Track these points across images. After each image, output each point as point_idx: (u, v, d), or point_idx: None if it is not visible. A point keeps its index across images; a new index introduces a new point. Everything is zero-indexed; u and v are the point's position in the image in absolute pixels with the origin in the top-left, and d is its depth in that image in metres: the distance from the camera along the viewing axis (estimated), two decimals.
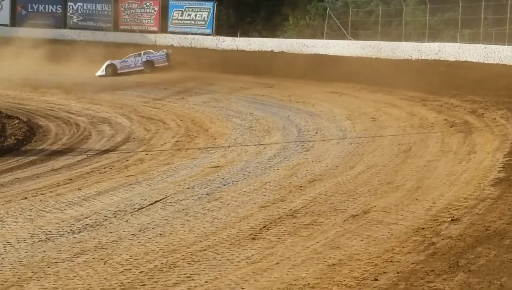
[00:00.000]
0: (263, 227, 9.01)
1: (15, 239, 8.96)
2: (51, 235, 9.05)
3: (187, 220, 9.54)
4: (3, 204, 10.99)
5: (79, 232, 9.17)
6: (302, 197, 10.58)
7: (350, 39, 32.77)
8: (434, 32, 30.60)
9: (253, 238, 8.58)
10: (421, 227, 8.70)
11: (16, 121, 19.46)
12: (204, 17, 38.40)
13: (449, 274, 7.04)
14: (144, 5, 40.22)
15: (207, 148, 15.46)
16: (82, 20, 42.04)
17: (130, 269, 7.64)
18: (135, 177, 12.62)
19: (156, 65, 32.30)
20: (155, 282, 7.25)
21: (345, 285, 6.95)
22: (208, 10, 38.30)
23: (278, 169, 12.77)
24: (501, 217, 8.88)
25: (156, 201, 10.67)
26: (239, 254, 8.00)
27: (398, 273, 7.16)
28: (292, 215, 9.58)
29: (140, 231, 9.10)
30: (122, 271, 7.58)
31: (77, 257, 8.14)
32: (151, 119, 19.93)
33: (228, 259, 7.84)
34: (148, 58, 32.53)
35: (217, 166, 13.27)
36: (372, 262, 7.51)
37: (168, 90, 26.04)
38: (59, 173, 13.41)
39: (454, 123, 16.70)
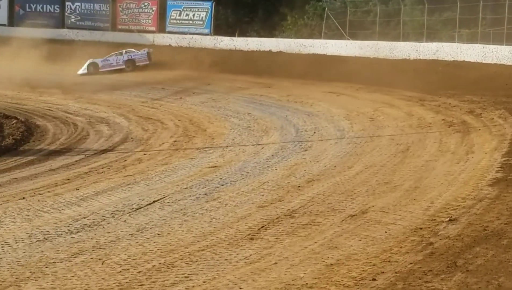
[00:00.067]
0: (261, 227, 9.01)
1: (13, 239, 8.95)
2: (49, 235, 9.05)
3: (185, 220, 9.54)
4: (1, 204, 10.98)
5: (77, 232, 9.17)
6: (300, 197, 10.58)
7: (348, 39, 32.77)
8: (432, 32, 30.62)
9: (251, 238, 8.58)
10: (419, 227, 8.70)
11: (14, 121, 19.45)
12: (202, 17, 38.37)
13: (447, 274, 7.04)
14: (142, 5, 40.18)
15: (205, 148, 15.46)
16: (80, 20, 41.99)
17: (128, 269, 7.63)
18: (133, 177, 12.62)
19: (137, 64, 32.70)
20: (153, 282, 7.25)
21: (343, 285, 6.95)
22: (206, 10, 38.28)
23: (276, 169, 12.77)
24: (499, 217, 8.88)
25: (154, 201, 10.67)
26: (237, 254, 8.00)
27: (396, 273, 7.17)
28: (290, 215, 9.58)
29: (138, 231, 9.10)
30: (120, 271, 7.58)
31: (75, 257, 8.13)
32: (149, 119, 19.92)
33: (226, 259, 7.84)
34: (130, 57, 32.92)
35: (215, 166, 13.27)
36: (370, 262, 7.52)
37: (166, 90, 26.03)
38: (57, 173, 13.40)
39: (452, 123, 16.71)
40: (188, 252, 8.14)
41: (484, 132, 15.32)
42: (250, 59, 31.75)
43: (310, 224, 9.10)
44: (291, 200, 10.39)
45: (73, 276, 7.50)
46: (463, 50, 27.68)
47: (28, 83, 27.17)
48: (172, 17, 39.21)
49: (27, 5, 42.81)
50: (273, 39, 35.15)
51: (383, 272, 7.20)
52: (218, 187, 11.52)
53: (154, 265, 7.73)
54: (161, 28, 39.49)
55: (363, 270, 7.29)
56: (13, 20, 42.93)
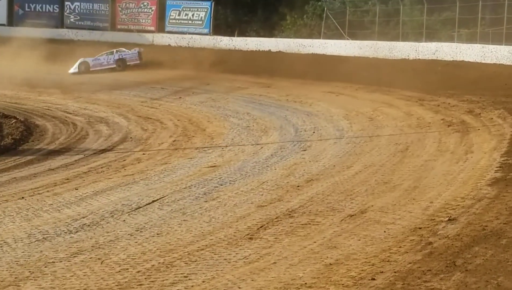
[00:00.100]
0: (260, 227, 9.01)
1: (12, 239, 8.95)
2: (48, 235, 9.05)
3: (184, 220, 9.54)
4: (0, 203, 10.98)
5: (76, 231, 9.17)
6: (299, 196, 10.58)
7: (348, 39, 32.78)
8: (431, 31, 30.64)
9: (250, 238, 8.58)
10: (418, 227, 8.71)
11: (13, 121, 19.44)
12: (201, 17, 38.38)
13: (446, 274, 7.04)
14: (142, 5, 40.19)
15: (204, 147, 15.46)
16: (80, 20, 41.99)
17: (127, 269, 7.63)
18: (132, 177, 12.62)
19: (128, 63, 32.83)
20: (152, 281, 7.25)
21: (342, 284, 6.95)
22: (206, 10, 38.29)
23: (275, 169, 12.77)
24: (498, 217, 8.89)
25: (153, 201, 10.67)
26: (236, 253, 8.00)
27: (395, 272, 7.17)
28: (289, 214, 9.58)
29: (137, 230, 9.10)
30: (119, 271, 7.58)
31: (74, 256, 8.13)
32: (148, 118, 19.92)
33: (225, 259, 7.84)
34: (120, 56, 33.07)
35: (214, 166, 13.27)
36: (369, 262, 7.52)
37: (165, 90, 26.03)
38: (56, 173, 13.40)
39: (451, 122, 16.72)
40: (187, 251, 8.14)
41: (483, 131, 15.32)
42: (249, 59, 31.75)
43: (309, 223, 9.10)
44: (290, 200, 10.39)
45: (72, 276, 7.50)
46: (462, 50, 27.69)
47: (27, 83, 27.16)
48: (171, 17, 39.22)
49: (26, 5, 42.81)
50: (273, 39, 35.16)
51: (382, 272, 7.20)
52: (217, 186, 11.52)
53: (153, 265, 7.73)
54: (161, 28, 39.51)
55: (362, 270, 7.29)
56: (12, 20, 42.93)
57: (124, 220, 9.63)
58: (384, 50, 30.23)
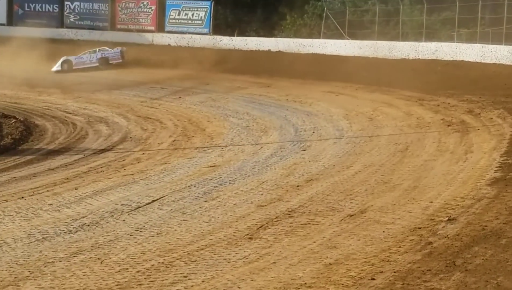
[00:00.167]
0: (260, 227, 9.01)
1: (12, 239, 8.94)
2: (47, 235, 9.04)
3: (184, 220, 9.54)
4: (0, 203, 10.97)
5: (76, 231, 9.16)
6: (299, 196, 10.58)
7: (347, 39, 32.79)
8: (431, 31, 30.64)
9: (250, 238, 8.57)
10: (418, 227, 8.71)
11: (12, 121, 19.44)
12: (201, 17, 38.38)
13: (445, 274, 7.04)
14: (141, 5, 40.19)
15: (204, 147, 15.46)
16: (79, 20, 41.99)
17: (127, 269, 7.63)
18: (132, 177, 12.61)
19: (110, 62, 33.13)
20: (152, 281, 7.25)
21: (342, 284, 6.95)
22: (205, 10, 38.29)
23: (275, 169, 12.77)
24: (498, 217, 8.89)
25: (153, 201, 10.66)
26: (236, 253, 8.00)
27: (394, 272, 7.16)
28: (289, 214, 9.58)
29: (137, 230, 9.09)
30: (119, 271, 7.58)
31: (74, 256, 8.13)
32: (148, 118, 19.91)
33: (225, 259, 7.84)
34: (103, 55, 33.38)
35: (214, 166, 13.27)
36: (369, 262, 7.52)
37: (165, 90, 26.02)
38: (56, 173, 13.40)
39: (451, 122, 16.72)
40: (187, 251, 8.14)
41: (483, 131, 15.32)
42: (249, 59, 31.74)
43: (309, 223, 9.10)
44: (290, 200, 10.39)
45: (72, 276, 7.50)
46: (462, 50, 27.70)
47: (27, 83, 27.16)
48: (171, 17, 39.23)
49: (26, 4, 42.81)
50: (272, 39, 35.17)
51: (382, 272, 7.20)
52: (217, 186, 11.52)
53: (153, 265, 7.73)
54: (160, 27, 39.52)
55: (362, 270, 7.29)
56: (12, 19, 42.93)
57: (123, 220, 9.62)
58: (384, 50, 30.23)
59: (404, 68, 25.95)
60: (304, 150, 14.48)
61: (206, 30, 38.09)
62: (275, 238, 8.54)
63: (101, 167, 13.72)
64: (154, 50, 35.06)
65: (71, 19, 42.22)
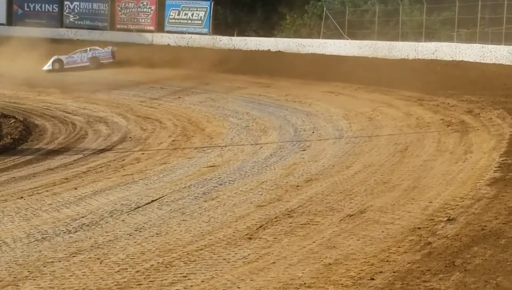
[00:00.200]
0: (260, 227, 9.01)
1: (11, 239, 8.94)
2: (47, 235, 9.04)
3: (183, 220, 9.53)
4: None
5: (75, 231, 9.16)
6: (299, 196, 10.58)
7: (347, 39, 32.80)
8: (430, 31, 30.66)
9: (250, 238, 8.57)
10: (417, 227, 8.71)
11: (12, 120, 19.44)
12: (200, 17, 38.39)
13: (445, 274, 7.04)
14: (141, 5, 40.19)
15: (204, 147, 15.46)
16: (79, 19, 42.00)
17: (126, 269, 7.63)
18: (132, 177, 12.61)
19: (101, 62, 33.37)
20: (151, 281, 7.25)
21: (341, 284, 6.95)
22: (205, 10, 38.29)
23: (274, 169, 12.77)
24: (497, 217, 8.89)
25: (152, 201, 10.66)
26: (236, 253, 8.00)
27: (394, 272, 7.16)
28: (289, 214, 9.58)
29: (136, 230, 9.09)
30: (118, 271, 7.57)
31: (73, 256, 8.13)
32: (147, 118, 19.91)
33: (224, 259, 7.84)
34: (94, 55, 33.68)
35: (214, 166, 13.27)
36: (368, 262, 7.52)
37: (164, 90, 26.02)
38: (55, 173, 13.39)
39: (451, 122, 16.72)
40: (187, 251, 8.14)
41: (482, 132, 15.32)
42: (249, 59, 31.74)
43: (309, 223, 9.10)
44: (290, 200, 10.39)
45: (71, 276, 7.49)
46: (461, 50, 27.70)
47: (27, 83, 27.17)
48: (170, 17, 39.23)
49: (26, 4, 42.82)
50: (272, 39, 35.17)
51: (381, 272, 7.20)
52: (216, 186, 11.52)
53: (152, 265, 7.73)
54: (160, 27, 39.53)
55: (361, 270, 7.29)
56: (11, 19, 42.93)
57: (123, 220, 9.62)
58: (383, 50, 30.24)
59: (404, 68, 25.96)
60: (304, 150, 14.48)
61: (205, 30, 38.10)
62: (275, 238, 8.54)
63: (101, 167, 13.72)
64: (154, 50, 35.07)
65: (71, 19, 42.22)
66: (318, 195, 10.61)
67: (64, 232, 9.12)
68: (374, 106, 19.82)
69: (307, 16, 35.66)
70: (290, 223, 9.15)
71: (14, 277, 7.53)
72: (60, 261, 7.97)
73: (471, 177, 11.23)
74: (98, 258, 8.01)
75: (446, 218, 8.94)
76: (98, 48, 34.15)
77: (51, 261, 7.98)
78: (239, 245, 8.29)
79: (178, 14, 39.04)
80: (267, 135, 16.59)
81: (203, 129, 17.78)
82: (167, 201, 10.61)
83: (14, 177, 13.09)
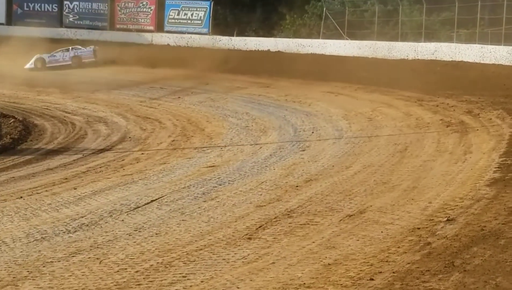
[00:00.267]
0: (259, 227, 9.01)
1: (11, 239, 8.93)
2: (46, 235, 9.04)
3: (183, 220, 9.53)
4: None
5: (75, 231, 9.16)
6: (298, 196, 10.58)
7: (347, 39, 32.80)
8: (430, 32, 30.66)
9: (249, 238, 8.57)
10: (416, 227, 8.71)
11: (11, 120, 19.42)
12: (200, 17, 38.39)
13: (444, 274, 7.04)
14: (141, 4, 40.19)
15: (203, 147, 15.45)
16: (78, 19, 41.99)
17: (126, 269, 7.62)
18: (131, 177, 12.61)
19: (83, 60, 33.62)
20: (150, 281, 7.24)
21: (341, 284, 6.95)
22: (205, 10, 38.29)
23: (274, 169, 12.77)
24: (497, 217, 8.89)
25: (152, 201, 10.66)
26: (235, 253, 8.00)
27: (393, 273, 7.16)
28: (288, 214, 9.57)
29: (135, 230, 9.09)
30: (118, 271, 7.57)
31: (73, 256, 8.12)
32: (147, 118, 19.91)
33: (224, 259, 7.84)
34: (76, 54, 33.98)
35: (213, 166, 13.27)
36: (368, 262, 7.52)
37: (164, 90, 26.01)
38: (55, 172, 13.39)
39: (450, 123, 16.72)
40: (186, 251, 8.14)
41: (482, 132, 15.33)
42: (248, 59, 31.74)
43: (308, 223, 9.10)
44: (289, 200, 10.39)
45: (70, 276, 7.49)
46: (461, 50, 27.72)
47: (26, 82, 27.16)
48: (170, 17, 39.23)
49: (25, 4, 42.80)
50: (272, 39, 35.18)
51: (380, 272, 7.20)
52: (216, 186, 11.51)
53: (151, 265, 7.72)
54: (160, 27, 39.52)
55: (360, 270, 7.29)
56: (11, 19, 42.92)
57: (122, 220, 9.62)
58: (383, 50, 30.25)
59: (403, 69, 25.96)
60: (303, 150, 14.48)
61: (205, 30, 38.09)
62: (274, 238, 8.54)
63: (100, 167, 13.71)
64: (154, 50, 35.04)
65: (70, 19, 42.21)
66: (318, 195, 10.61)
67: (64, 232, 9.12)
68: (374, 107, 19.82)
69: (307, 16, 35.67)
70: (290, 223, 9.15)
71: (14, 277, 7.52)
72: (59, 261, 7.97)
73: (470, 177, 11.24)
74: (97, 258, 8.00)
75: (446, 219, 8.94)
76: (80, 47, 34.47)
77: (51, 261, 7.98)
78: (239, 245, 8.29)
79: (178, 14, 39.04)
80: (267, 135, 16.59)
81: (203, 129, 17.78)
82: (166, 201, 10.60)
83: (13, 177, 13.08)
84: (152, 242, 8.55)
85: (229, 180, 11.96)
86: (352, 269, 7.33)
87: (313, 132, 16.65)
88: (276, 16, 36.34)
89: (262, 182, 11.67)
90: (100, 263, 7.84)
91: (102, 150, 15.72)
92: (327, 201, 10.22)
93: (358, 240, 8.32)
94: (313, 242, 8.31)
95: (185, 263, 7.76)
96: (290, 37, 35.00)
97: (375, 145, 14.65)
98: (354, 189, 10.86)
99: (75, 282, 7.30)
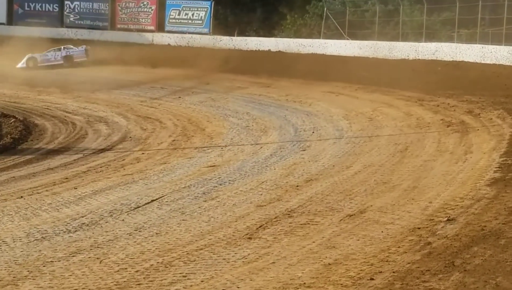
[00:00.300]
0: (260, 227, 9.01)
1: (11, 238, 8.94)
2: (47, 234, 9.04)
3: (183, 219, 9.53)
4: None
5: (75, 231, 9.16)
6: (299, 196, 10.58)
7: (348, 39, 32.80)
8: (431, 32, 30.68)
9: (249, 238, 8.57)
10: (417, 227, 8.71)
11: (12, 120, 19.43)
12: (201, 16, 38.40)
13: (444, 274, 7.04)
14: (141, 4, 40.21)
15: (204, 147, 15.46)
16: (79, 19, 42.03)
17: (126, 268, 7.63)
18: (132, 176, 12.61)
19: (75, 60, 33.83)
20: (151, 281, 7.25)
21: (341, 284, 6.95)
22: (205, 9, 38.31)
23: (274, 169, 12.77)
24: (497, 217, 8.89)
25: (152, 200, 10.66)
26: (235, 253, 8.00)
27: (394, 272, 7.16)
28: (289, 214, 9.58)
29: (136, 230, 9.09)
30: (118, 270, 7.57)
31: (73, 256, 8.13)
32: (147, 118, 19.91)
33: (224, 259, 7.84)
34: (68, 53, 34.20)
35: (214, 166, 13.27)
36: (368, 262, 7.52)
37: (165, 90, 26.02)
38: (55, 172, 13.39)
39: (451, 123, 16.72)
40: (186, 251, 8.14)
41: (482, 132, 15.32)
42: (249, 59, 31.75)
43: (308, 223, 9.10)
44: (290, 200, 10.39)
45: (70, 275, 7.49)
46: (462, 50, 27.72)
47: (27, 82, 27.18)
48: (171, 17, 39.26)
49: (26, 4, 42.84)
50: (272, 39, 35.20)
51: (381, 272, 7.20)
52: (216, 186, 11.52)
53: (152, 264, 7.73)
54: (160, 27, 39.55)
55: (361, 270, 7.29)
56: (12, 19, 42.95)
57: (123, 220, 9.62)
58: (384, 50, 30.26)
59: (404, 69, 25.97)
60: (304, 150, 14.48)
61: (206, 30, 38.11)
62: (275, 238, 8.54)
63: (101, 167, 13.71)
64: (154, 50, 35.06)
65: (71, 19, 42.24)
66: (318, 195, 10.61)
67: (64, 232, 9.12)
68: (375, 106, 19.82)
69: (308, 16, 35.69)
70: (290, 223, 9.15)
71: (14, 277, 7.53)
72: (59, 261, 7.97)
73: (471, 177, 11.23)
74: (97, 258, 8.01)
75: (446, 218, 8.94)
76: (72, 46, 34.67)
77: (51, 261, 7.98)
78: (239, 245, 8.29)
79: (179, 14, 39.06)
80: (267, 135, 16.59)
81: (203, 129, 17.78)
82: (167, 201, 10.61)
83: (14, 177, 13.08)
84: (152, 241, 8.56)
85: (229, 180, 11.96)
86: (352, 269, 7.33)
87: (313, 132, 16.65)
88: (276, 16, 36.36)
89: (263, 182, 11.67)
90: (100, 263, 7.84)
91: (102, 150, 15.72)
92: (328, 201, 10.22)
93: (358, 240, 8.32)
94: (314, 242, 8.31)
95: (185, 262, 7.76)
96: (290, 37, 35.01)
97: (375, 145, 14.65)
98: (355, 189, 10.86)
99: (75, 281, 7.31)
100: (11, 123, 19.05)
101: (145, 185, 11.83)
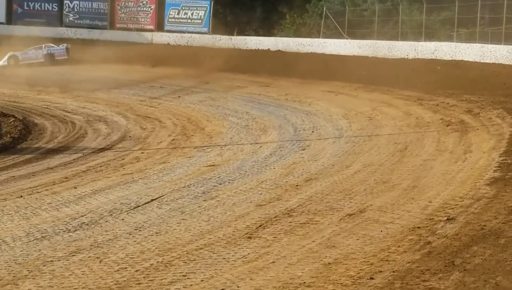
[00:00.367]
0: (259, 226, 9.01)
1: (11, 238, 8.93)
2: (46, 234, 9.04)
3: (183, 219, 9.53)
4: None
5: (75, 230, 9.16)
6: (298, 196, 10.58)
7: (347, 38, 32.81)
8: (430, 31, 30.70)
9: (249, 237, 8.57)
10: (417, 226, 8.71)
11: (11, 119, 19.41)
12: (200, 16, 38.40)
13: (444, 273, 7.05)
14: (141, 4, 40.21)
15: (203, 146, 15.46)
16: (79, 19, 42.03)
17: (126, 268, 7.63)
18: (131, 176, 12.61)
19: (56, 58, 34.20)
20: (150, 281, 7.25)
21: (341, 284, 6.95)
22: (205, 9, 38.31)
23: (274, 168, 12.77)
24: (497, 216, 8.89)
25: (152, 200, 10.66)
26: (235, 253, 8.00)
27: (393, 272, 7.17)
28: (288, 214, 9.58)
29: (136, 229, 9.09)
30: (118, 270, 7.57)
31: (73, 255, 8.12)
32: (147, 117, 19.91)
33: (224, 258, 7.84)
34: (49, 51, 34.57)
35: (213, 165, 13.27)
36: (368, 261, 7.52)
37: (164, 89, 26.02)
38: (55, 172, 13.39)
39: (450, 122, 16.73)
40: (186, 250, 8.14)
41: (482, 131, 15.33)
42: (248, 58, 31.75)
43: (308, 223, 9.10)
44: (289, 199, 10.39)
45: (70, 275, 7.49)
46: (461, 50, 27.73)
47: (26, 82, 27.18)
48: (170, 16, 39.26)
49: (25, 3, 42.83)
50: (272, 38, 35.21)
51: (380, 271, 7.20)
52: (216, 185, 11.52)
53: (152, 264, 7.72)
54: (160, 26, 39.56)
55: (361, 269, 7.29)
56: (11, 18, 42.93)
57: (123, 219, 9.62)
58: (383, 50, 30.26)
59: (404, 68, 25.97)
60: (303, 150, 14.48)
61: (205, 29, 38.12)
62: (274, 237, 8.54)
63: (100, 166, 13.71)
64: (154, 49, 35.06)
65: (71, 18, 42.23)
66: (318, 194, 10.61)
67: (64, 231, 9.12)
68: (374, 106, 19.83)
69: (307, 15, 35.70)
70: (290, 222, 9.15)
71: (14, 276, 7.53)
72: (59, 260, 7.97)
73: (470, 176, 11.24)
74: (97, 257, 8.00)
75: (446, 218, 8.94)
76: (52, 45, 34.93)
77: (51, 260, 7.97)
78: (239, 245, 8.29)
79: (178, 13, 39.06)
80: (267, 135, 16.59)
81: (203, 128, 17.78)
82: (166, 200, 10.61)
83: (13, 176, 13.08)
84: (152, 241, 8.56)
85: (229, 179, 11.96)
86: (352, 268, 7.33)
87: (313, 131, 16.65)
88: (276, 16, 36.38)
89: (262, 181, 11.67)
90: (100, 262, 7.84)
91: (102, 149, 15.72)
92: (327, 200, 10.22)
93: (358, 239, 8.33)
94: (313, 241, 8.31)
95: (185, 262, 7.76)
96: (290, 36, 35.02)
97: (375, 144, 14.65)
98: (354, 188, 10.86)
99: (75, 281, 7.31)
100: (10, 122, 19.04)
101: (145, 185, 11.83)
